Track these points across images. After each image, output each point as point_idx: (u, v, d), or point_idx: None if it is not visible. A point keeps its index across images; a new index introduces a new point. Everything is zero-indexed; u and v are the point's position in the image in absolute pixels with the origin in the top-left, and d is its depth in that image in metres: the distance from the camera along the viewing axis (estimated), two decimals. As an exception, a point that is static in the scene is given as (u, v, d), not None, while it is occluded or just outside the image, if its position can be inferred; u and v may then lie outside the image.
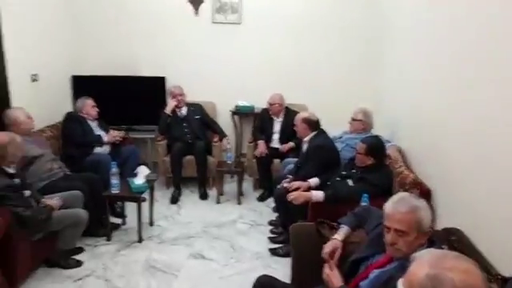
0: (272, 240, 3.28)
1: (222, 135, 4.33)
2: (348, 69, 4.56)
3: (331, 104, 4.38)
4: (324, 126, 3.35)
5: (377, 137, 3.10)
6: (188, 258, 3.02)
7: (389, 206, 1.60)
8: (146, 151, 4.57)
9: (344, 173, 3.00)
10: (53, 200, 2.77)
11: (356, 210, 2.16)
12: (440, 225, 2.25)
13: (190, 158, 4.15)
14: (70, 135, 3.68)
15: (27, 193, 2.64)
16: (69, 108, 4.16)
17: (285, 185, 3.13)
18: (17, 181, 2.62)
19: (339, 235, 2.01)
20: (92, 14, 4.52)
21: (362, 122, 3.55)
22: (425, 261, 1.08)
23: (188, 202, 4.04)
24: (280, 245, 3.14)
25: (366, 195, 2.52)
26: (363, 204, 2.46)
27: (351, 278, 1.79)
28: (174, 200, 4.01)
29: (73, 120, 3.75)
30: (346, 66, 4.56)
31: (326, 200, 2.75)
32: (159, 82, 4.53)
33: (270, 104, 4.14)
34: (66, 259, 2.84)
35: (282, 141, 4.14)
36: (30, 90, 3.66)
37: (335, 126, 3.68)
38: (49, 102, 3.93)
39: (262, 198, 4.12)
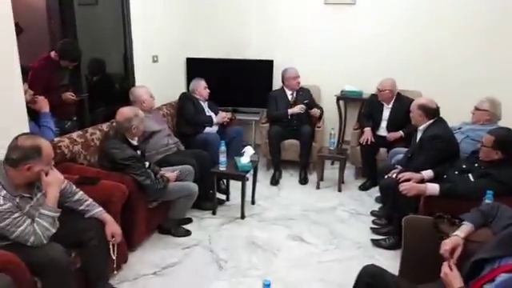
0: (375, 231, 3.12)
1: (319, 109, 4.23)
2: (471, 54, 4.06)
3: (450, 92, 3.99)
4: (442, 115, 3.04)
5: (508, 129, 2.69)
6: (287, 238, 3.03)
7: None
8: (250, 133, 4.69)
9: (464, 166, 2.69)
10: (169, 172, 3.00)
11: (482, 206, 1.93)
12: None
13: (292, 141, 4.14)
14: (185, 114, 3.95)
15: (146, 164, 2.91)
16: (183, 88, 4.46)
17: (394, 175, 2.93)
18: (139, 152, 2.89)
19: (461, 232, 1.81)
20: (207, 2, 4.74)
21: (488, 113, 3.12)
22: None
23: (288, 184, 4.06)
24: (383, 236, 2.97)
25: (490, 192, 2.22)
26: (487, 202, 2.18)
27: (472, 279, 1.62)
28: (274, 182, 4.06)
29: (187, 100, 4.01)
30: (469, 50, 4.07)
31: (442, 194, 2.50)
32: (267, 65, 4.58)
33: (380, 90, 3.88)
34: (176, 228, 3.07)
35: (390, 129, 3.87)
36: (150, 70, 4.01)
37: (454, 116, 3.30)
38: (166, 82, 4.27)
39: (364, 187, 3.94)
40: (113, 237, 2.23)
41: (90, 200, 2.26)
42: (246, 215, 3.34)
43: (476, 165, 2.63)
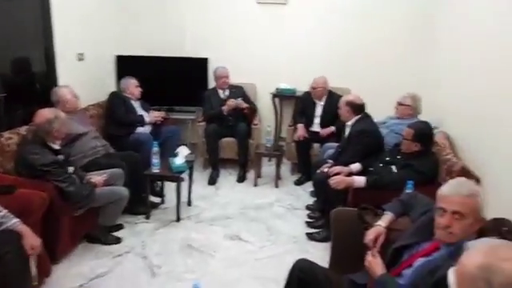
0: (309, 224, 3.20)
1: (252, 107, 4.26)
2: (396, 53, 4.32)
3: (376, 89, 4.19)
4: (369, 111, 3.19)
5: (425, 122, 2.90)
6: (224, 238, 3.01)
7: (447, 188, 1.54)
8: (186, 132, 4.60)
9: (388, 159, 2.85)
10: (96, 177, 2.84)
11: (402, 196, 2.05)
12: (488, 215, 2.08)
13: (229, 139, 4.12)
14: (114, 114, 3.77)
15: (71, 169, 2.72)
16: (112, 87, 4.25)
17: (325, 170, 3.03)
18: (61, 157, 2.69)
19: (383, 222, 1.90)
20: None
21: (410, 108, 3.34)
22: (478, 250, 1.03)
23: (226, 183, 4.04)
24: (317, 230, 3.06)
25: (410, 182, 2.38)
26: (407, 191, 2.32)
27: (393, 266, 1.71)
28: (212, 181, 4.02)
29: (117, 99, 3.82)
30: (393, 50, 4.32)
31: (368, 186, 2.64)
32: (202, 63, 4.52)
33: (313, 87, 4.00)
34: (106, 235, 2.91)
35: (323, 125, 4.00)
36: (76, 68, 3.76)
37: (380, 111, 3.49)
38: (93, 81, 4.04)
39: (299, 182, 4.04)
40: (32, 249, 2.06)
41: (4, 211, 2.06)
42: (182, 217, 3.26)
43: (398, 157, 2.80)
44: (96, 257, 2.73)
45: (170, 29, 4.63)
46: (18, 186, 2.34)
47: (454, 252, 1.44)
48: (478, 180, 2.34)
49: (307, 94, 4.13)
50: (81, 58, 3.86)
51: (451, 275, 1.08)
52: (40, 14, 3.40)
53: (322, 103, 4.05)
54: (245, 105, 4.12)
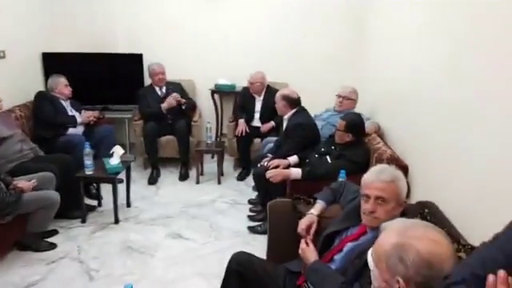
0: (251, 218, 3.26)
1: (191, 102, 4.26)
2: (330, 48, 4.46)
3: (314, 82, 4.33)
4: (306, 104, 3.29)
5: (357, 114, 3.07)
6: (165, 237, 2.97)
7: (370, 175, 1.62)
8: (123, 132, 4.45)
9: (323, 150, 2.98)
10: (24, 182, 2.67)
11: (332, 184, 2.15)
12: (415, 199, 2.26)
13: (169, 138, 4.06)
14: (42, 115, 3.55)
15: (-8, 175, 2.54)
16: (39, 87, 3.99)
17: (264, 163, 3.09)
18: (-17, 162, 2.51)
19: (315, 210, 1.99)
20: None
21: (355, 101, 3.48)
22: (393, 230, 1.08)
23: (167, 182, 3.98)
24: (259, 222, 3.12)
25: (343, 171, 2.49)
26: (340, 180, 2.44)
27: (326, 252, 1.78)
28: (152, 181, 3.94)
29: (44, 99, 3.60)
30: (328, 45, 4.46)
31: (303, 177, 2.73)
32: (136, 59, 4.38)
33: (251, 83, 4.05)
34: (37, 242, 2.76)
35: (263, 120, 4.08)
36: (-4, 67, 3.49)
37: (318, 105, 3.63)
38: (18, 80, 3.76)
39: (240, 177, 4.09)
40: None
41: None
42: (120, 219, 3.17)
43: (332, 147, 2.93)
44: (28, 264, 2.59)
45: (100, 23, 4.45)
46: None
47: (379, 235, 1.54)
48: (406, 167, 2.51)
49: (246, 89, 4.18)
50: (2, 55, 3.58)
51: (369, 255, 1.14)
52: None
53: (261, 98, 4.12)
54: (183, 100, 4.08)
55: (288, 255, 1.95)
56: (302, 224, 1.93)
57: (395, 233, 1.06)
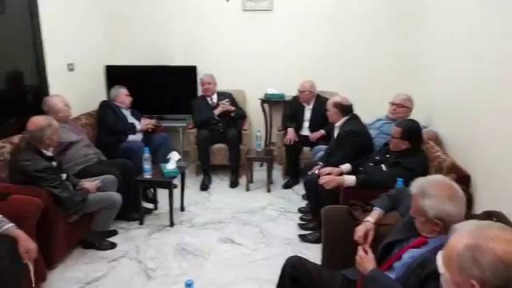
0: (302, 226, 3.24)
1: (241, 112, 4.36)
2: (382, 55, 4.42)
3: (364, 91, 4.29)
4: (357, 113, 3.26)
5: (413, 120, 2.98)
6: (218, 242, 3.04)
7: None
8: (177, 140, 4.63)
9: (377, 158, 2.92)
10: (89, 183, 2.86)
11: (390, 191, 2.10)
12: (478, 210, 2.15)
13: (220, 146, 4.17)
14: (105, 123, 3.80)
15: (64, 176, 2.74)
16: (103, 97, 4.27)
17: (315, 171, 3.08)
18: (54, 164, 2.71)
19: (372, 217, 1.95)
20: (126, 5, 4.62)
21: (410, 109, 3.38)
22: (465, 231, 1.03)
23: (218, 189, 4.08)
24: (310, 231, 3.11)
25: (400, 180, 2.43)
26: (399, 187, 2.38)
27: (384, 260, 1.74)
28: (204, 187, 4.05)
29: (107, 108, 3.85)
30: (380, 52, 4.43)
31: (358, 185, 2.69)
32: (190, 71, 4.57)
33: (301, 91, 4.08)
34: (100, 241, 2.93)
35: (313, 128, 4.07)
36: (67, 78, 3.78)
37: (368, 114, 3.57)
38: (84, 91, 4.06)
39: (287, 186, 4.10)
40: (27, 253, 2.07)
41: (0, 216, 2.08)
42: (175, 222, 3.28)
43: (387, 155, 2.86)
44: (91, 262, 2.75)
45: (159, 38, 4.70)
46: (13, 192, 2.35)
47: (442, 244, 1.48)
48: (467, 176, 2.41)
49: (295, 98, 4.21)
50: (71, 68, 3.88)
51: (439, 258, 1.10)
52: (30, 27, 3.43)
53: (311, 107, 4.12)
54: (232, 108, 4.18)
55: (343, 262, 1.92)
56: (359, 231, 1.90)
57: (468, 234, 1.00)
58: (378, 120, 3.61)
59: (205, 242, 3.02)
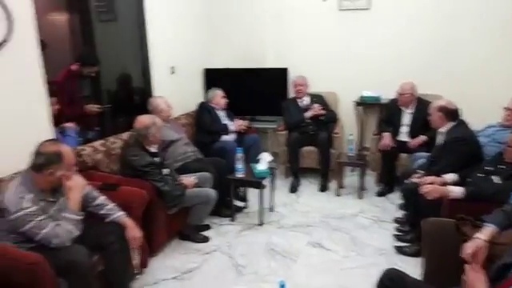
0: (398, 238, 3.04)
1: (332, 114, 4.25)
2: (495, 55, 3.96)
3: (472, 95, 3.89)
4: (464, 119, 2.96)
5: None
6: (307, 245, 3.00)
7: None
8: (267, 141, 4.70)
9: (488, 168, 2.61)
10: (187, 179, 3.03)
11: (505, 207, 1.86)
12: None
13: (310, 148, 4.12)
14: (201, 123, 4.02)
15: (165, 171, 2.94)
16: (201, 98, 4.52)
17: (415, 180, 2.87)
18: (157, 159, 2.94)
19: (483, 234, 1.74)
20: (221, 11, 4.83)
21: None
22: None
23: (307, 192, 4.03)
24: (407, 243, 2.90)
25: (517, 194, 2.15)
26: (513, 203, 2.10)
27: (498, 284, 1.54)
28: (293, 189, 4.04)
29: (204, 109, 4.07)
30: (488, 51, 3.98)
31: (466, 197, 2.43)
32: (281, 73, 4.61)
33: (400, 94, 3.83)
34: (195, 234, 3.09)
35: (413, 134, 3.80)
36: (169, 81, 4.08)
37: (477, 120, 3.21)
38: (184, 93, 4.34)
39: (381, 193, 3.88)
40: (134, 240, 2.26)
41: (112, 205, 2.31)
42: (264, 222, 3.33)
43: (501, 166, 2.55)
44: (186, 252, 2.92)
45: (252, 41, 4.82)
46: (122, 184, 2.60)
47: None
48: None
49: (394, 101, 3.98)
50: (173, 71, 4.18)
51: None
52: (138, 34, 3.77)
53: (410, 111, 3.86)
54: (323, 112, 4.11)
55: (446, 280, 1.75)
56: (468, 249, 1.71)
57: None
58: (489, 127, 3.24)
59: (293, 244, 3.00)
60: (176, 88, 4.19)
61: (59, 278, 1.90)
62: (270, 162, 3.41)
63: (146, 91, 3.89)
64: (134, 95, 4.01)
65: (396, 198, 3.71)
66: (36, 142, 2.03)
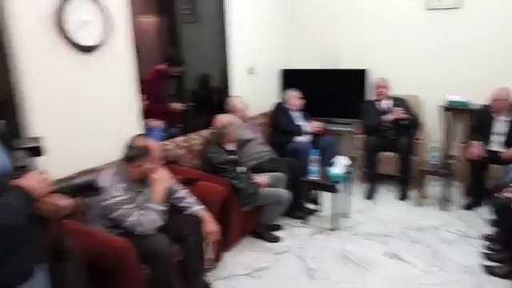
0: (487, 256, 2.76)
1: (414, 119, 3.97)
2: None
3: None
4: None
5: None
6: (383, 255, 2.85)
7: None
8: (343, 144, 4.57)
9: None
10: (261, 178, 3.06)
11: None
12: None
13: (389, 154, 3.92)
14: (277, 124, 4.04)
15: (240, 169, 3.00)
16: (277, 98, 4.54)
17: (508, 194, 2.59)
18: (233, 157, 3.01)
19: None
20: (300, 12, 4.80)
21: None
22: None
23: (384, 199, 3.85)
24: (498, 263, 2.63)
25: None
26: None
27: None
28: (369, 195, 3.89)
29: (280, 110, 4.09)
30: None
31: None
32: (360, 74, 4.46)
33: (494, 100, 3.49)
34: (267, 233, 3.10)
35: (509, 144, 3.43)
36: (246, 81, 4.16)
37: None
38: (260, 93, 4.39)
39: (468, 206, 3.57)
40: (211, 234, 2.34)
41: (192, 198, 2.41)
42: (337, 227, 3.24)
43: None
44: (258, 251, 2.95)
45: (330, 41, 4.71)
46: (201, 179, 2.70)
47: None
48: None
49: (485, 107, 3.63)
50: (251, 71, 4.26)
51: None
52: (219, 35, 3.90)
53: (505, 118, 3.49)
54: (405, 116, 3.89)
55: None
56: None
57: None
58: None
59: (368, 253, 2.87)
60: (253, 88, 4.26)
61: (143, 264, 2.02)
62: (346, 166, 3.31)
63: (224, 91, 4.00)
64: (213, 94, 4.16)
65: (485, 212, 3.39)
66: (128, 136, 2.19)
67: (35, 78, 2.15)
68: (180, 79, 3.65)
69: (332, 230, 3.23)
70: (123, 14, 2.66)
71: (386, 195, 3.94)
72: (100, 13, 2.45)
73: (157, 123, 3.22)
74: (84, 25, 2.35)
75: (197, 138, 3.28)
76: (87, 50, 2.41)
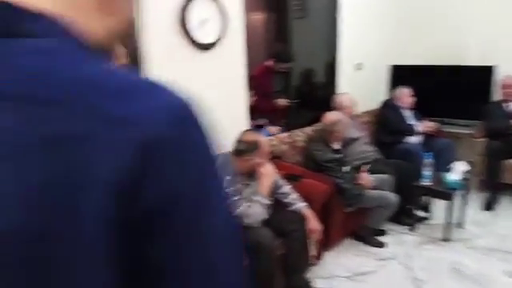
0: None
1: None
2: None
3: None
4: None
5: None
6: (502, 274, 2.53)
7: None
8: (460, 148, 4.14)
9: None
10: (366, 178, 2.95)
11: None
12: None
13: (515, 161, 3.46)
14: (385, 122, 3.83)
15: (345, 169, 2.93)
16: (383, 96, 4.31)
17: None
18: (339, 156, 2.95)
19: None
20: (415, 4, 4.46)
21: None
22: None
23: (506, 212, 3.41)
24: None
25: None
26: None
27: None
28: (488, 206, 3.48)
29: (389, 108, 3.87)
30: None
31: None
32: (485, 71, 3.98)
33: None
34: (370, 237, 2.99)
35: None
36: (353, 77, 4.03)
37: None
38: (368, 89, 4.21)
39: None
40: (313, 232, 2.33)
41: (296, 195, 2.43)
42: (450, 238, 2.97)
43: None
44: (360, 255, 2.85)
45: (450, 35, 4.28)
46: (305, 176, 2.71)
47: None
48: None
49: None
50: (359, 67, 4.10)
51: None
52: (328, 30, 3.82)
53: None
54: None
55: None
56: None
57: None
58: None
59: (485, 270, 2.58)
60: (359, 84, 4.10)
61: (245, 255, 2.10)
62: (464, 172, 3.00)
63: (329, 87, 3.94)
64: (318, 91, 4.12)
65: None
66: (236, 131, 2.28)
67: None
68: (287, 75, 3.69)
69: (444, 240, 2.97)
70: (238, 12, 2.76)
71: (508, 207, 3.49)
72: (218, 11, 2.57)
73: (272, 129, 3.29)
74: (204, 23, 2.49)
75: (300, 135, 3.29)
76: (205, 47, 2.56)
